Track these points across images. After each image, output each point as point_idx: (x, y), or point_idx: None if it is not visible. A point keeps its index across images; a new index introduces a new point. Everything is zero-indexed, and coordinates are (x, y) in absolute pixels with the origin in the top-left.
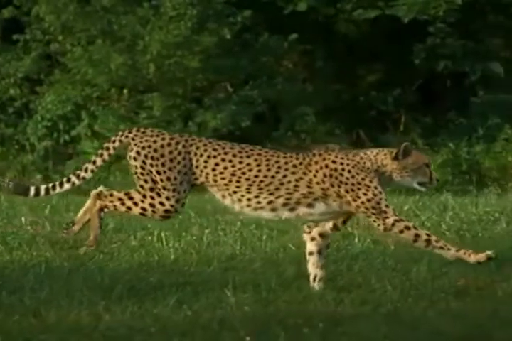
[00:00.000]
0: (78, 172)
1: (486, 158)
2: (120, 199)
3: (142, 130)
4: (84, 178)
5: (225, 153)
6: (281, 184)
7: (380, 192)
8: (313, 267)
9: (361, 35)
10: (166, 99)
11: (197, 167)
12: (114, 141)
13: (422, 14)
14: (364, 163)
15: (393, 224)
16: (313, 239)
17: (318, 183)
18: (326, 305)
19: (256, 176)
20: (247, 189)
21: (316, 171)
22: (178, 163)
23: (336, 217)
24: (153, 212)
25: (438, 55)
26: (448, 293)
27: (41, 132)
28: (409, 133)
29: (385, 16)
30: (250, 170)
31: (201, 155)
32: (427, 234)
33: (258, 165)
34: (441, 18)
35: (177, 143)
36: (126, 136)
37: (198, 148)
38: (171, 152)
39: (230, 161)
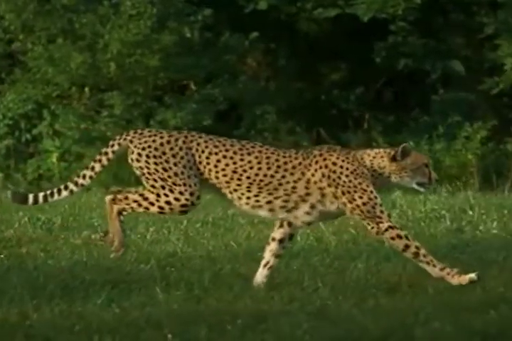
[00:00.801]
0: (76, 179)
1: (447, 155)
2: (135, 201)
3: (139, 131)
4: (82, 185)
5: (226, 150)
6: (280, 184)
7: (376, 197)
8: (269, 253)
9: (323, 34)
10: (126, 97)
11: (200, 163)
12: (113, 145)
13: (381, 13)
14: (362, 167)
15: (386, 230)
16: (281, 226)
17: (315, 182)
18: (256, 303)
19: (256, 174)
20: (248, 187)
21: (315, 170)
22: (182, 157)
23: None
24: (171, 209)
25: (399, 53)
26: (379, 290)
27: (2, 131)
28: (370, 131)
29: (346, 15)
30: (251, 168)
31: (203, 152)
32: (417, 247)
33: (259, 163)
34: (400, 16)
35: (176, 140)
36: (124, 139)
37: (198, 144)
38: (171, 148)
39: (232, 158)
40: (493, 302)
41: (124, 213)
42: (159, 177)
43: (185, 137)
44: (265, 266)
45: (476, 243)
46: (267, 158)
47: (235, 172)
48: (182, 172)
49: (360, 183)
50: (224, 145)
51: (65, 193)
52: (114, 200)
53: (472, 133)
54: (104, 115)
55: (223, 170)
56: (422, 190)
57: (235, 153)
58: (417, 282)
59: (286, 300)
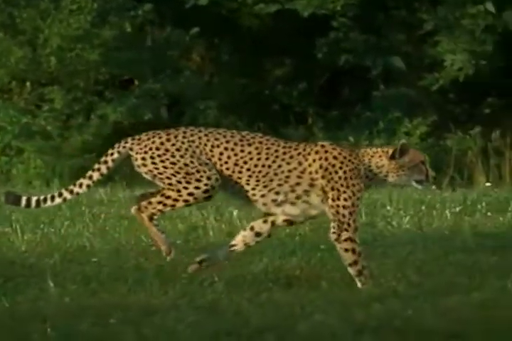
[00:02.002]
0: (72, 187)
1: None
2: (160, 202)
3: (137, 137)
4: (78, 193)
5: (227, 142)
6: (275, 174)
7: (357, 206)
8: (240, 238)
9: (266, 29)
10: (67, 92)
11: (206, 154)
12: (112, 154)
13: (321, 9)
14: (361, 167)
15: (346, 240)
16: (265, 221)
17: (310, 173)
18: (149, 297)
19: (256, 165)
20: (247, 180)
21: (314, 161)
22: (186, 149)
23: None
24: (195, 198)
25: (340, 49)
26: (277, 284)
27: None
28: (312, 126)
29: (287, 10)
30: (251, 159)
31: (205, 145)
32: (363, 266)
33: (259, 154)
34: (340, 12)
35: (176, 136)
36: (124, 147)
37: (200, 138)
38: (173, 144)
39: (233, 150)
40: (383, 295)
41: (155, 217)
42: (171, 174)
43: (184, 132)
44: (231, 247)
45: (384, 237)
46: (267, 148)
47: (236, 164)
48: (191, 162)
49: (353, 185)
50: (224, 136)
51: (58, 200)
52: (139, 209)
53: (412, 128)
54: (44, 109)
55: (226, 162)
56: (420, 187)
57: (235, 144)
58: (316, 276)
59: (179, 294)
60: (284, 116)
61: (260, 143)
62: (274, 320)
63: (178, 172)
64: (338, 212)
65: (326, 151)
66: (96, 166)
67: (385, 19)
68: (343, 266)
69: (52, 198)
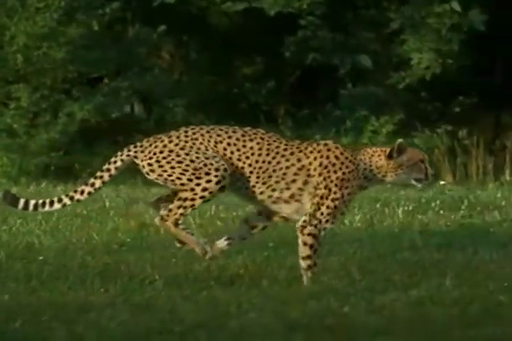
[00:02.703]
0: (72, 194)
1: None
2: (179, 206)
3: (139, 144)
4: (78, 200)
5: (229, 137)
6: (274, 170)
7: (340, 209)
8: (237, 233)
9: (235, 28)
10: (34, 90)
11: (212, 150)
12: (115, 162)
13: (288, 7)
14: (358, 171)
15: (309, 234)
16: (259, 214)
17: (308, 170)
18: (88, 295)
19: (257, 161)
20: (248, 177)
21: (315, 159)
22: (191, 147)
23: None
24: (210, 192)
25: (308, 47)
26: (218, 282)
27: None
28: (281, 125)
29: (255, 9)
30: (253, 155)
31: (209, 141)
32: (315, 263)
33: (260, 149)
34: (307, 11)
35: (178, 137)
36: (128, 155)
37: (202, 135)
38: (176, 144)
39: (235, 145)
40: (322, 293)
41: (180, 222)
42: (180, 173)
43: (186, 132)
44: (227, 239)
45: (333, 235)
46: (269, 144)
47: (239, 159)
48: (197, 157)
49: (346, 188)
50: (226, 132)
51: (57, 205)
52: (162, 219)
53: (378, 127)
54: (11, 107)
55: (230, 158)
56: (419, 186)
57: (237, 139)
58: (259, 274)
59: (119, 292)
60: (252, 115)
61: (262, 138)
62: (208, 317)
63: (186, 170)
64: (318, 208)
65: (329, 150)
66: (98, 174)
67: (354, 18)
68: (287, 265)
69: (51, 203)
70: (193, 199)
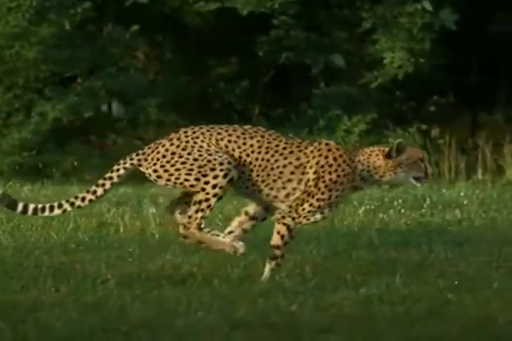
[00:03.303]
0: (73, 200)
1: None
2: (197, 210)
3: (141, 152)
4: (79, 207)
5: (230, 135)
6: (272, 169)
7: (323, 209)
8: (236, 224)
9: (208, 27)
10: (6, 89)
11: (214, 146)
12: (118, 170)
13: (260, 7)
14: (354, 173)
15: (284, 224)
16: (258, 204)
17: (304, 167)
18: (40, 294)
19: (256, 159)
20: (249, 175)
21: (313, 157)
22: (192, 147)
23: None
24: (221, 187)
25: (282, 47)
26: (170, 282)
27: None
28: (254, 124)
29: (229, 8)
30: (253, 152)
31: (210, 139)
32: (282, 255)
33: (259, 147)
34: (279, 10)
35: (178, 138)
36: (132, 164)
37: (203, 133)
38: (178, 146)
39: (236, 142)
40: (272, 291)
41: (202, 226)
42: (186, 174)
43: (185, 132)
44: (228, 234)
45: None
46: (269, 142)
47: (240, 157)
48: (200, 155)
49: (336, 190)
50: (227, 131)
51: (57, 211)
52: (185, 227)
53: (351, 126)
54: None
55: (232, 155)
56: (418, 185)
57: (238, 137)
58: (212, 274)
59: (71, 291)
60: (226, 114)
61: (262, 136)
62: (155, 316)
63: (191, 170)
64: (302, 204)
65: (329, 150)
66: (100, 182)
67: (328, 17)
68: (242, 264)
69: (51, 208)
70: (207, 200)
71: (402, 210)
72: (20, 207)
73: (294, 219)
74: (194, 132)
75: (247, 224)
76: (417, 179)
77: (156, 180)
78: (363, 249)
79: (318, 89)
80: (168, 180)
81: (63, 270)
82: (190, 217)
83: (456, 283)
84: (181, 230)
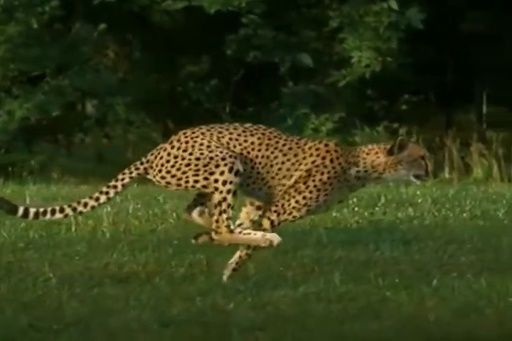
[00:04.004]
0: (75, 205)
1: None
2: (220, 212)
3: (145, 160)
4: (81, 213)
5: (231, 133)
6: (271, 166)
7: (308, 206)
8: (244, 216)
9: (177, 26)
10: None
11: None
12: (123, 179)
13: (227, 5)
14: (347, 175)
15: (269, 219)
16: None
17: (300, 164)
18: None
19: (257, 156)
20: (250, 172)
21: (310, 155)
22: (193, 146)
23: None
24: (230, 182)
25: (250, 46)
26: (114, 280)
27: None
28: (223, 123)
29: (195, 7)
30: (253, 150)
31: (211, 136)
32: (255, 248)
33: (260, 145)
34: (246, 9)
35: (178, 140)
36: (138, 174)
37: (203, 133)
38: (178, 148)
39: (237, 140)
40: (211, 290)
41: (232, 227)
42: (194, 175)
43: (185, 133)
44: (238, 226)
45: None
46: (269, 139)
47: (241, 154)
48: (201, 153)
49: (325, 190)
50: (227, 129)
51: (58, 215)
52: (216, 233)
53: (319, 125)
54: None
55: (233, 152)
56: (418, 182)
57: (239, 135)
58: (156, 272)
59: (11, 289)
60: (195, 113)
61: (263, 134)
62: (90, 314)
63: (197, 170)
64: (288, 200)
65: (328, 151)
66: (104, 189)
67: (296, 16)
68: (187, 262)
69: (53, 212)
70: (225, 199)
71: (356, 208)
72: (20, 211)
73: (278, 215)
74: (193, 132)
75: (253, 214)
76: (417, 177)
77: (166, 186)
78: (311, 247)
79: (287, 88)
80: (179, 184)
81: (8, 269)
82: (217, 221)
83: (396, 280)
84: (214, 236)
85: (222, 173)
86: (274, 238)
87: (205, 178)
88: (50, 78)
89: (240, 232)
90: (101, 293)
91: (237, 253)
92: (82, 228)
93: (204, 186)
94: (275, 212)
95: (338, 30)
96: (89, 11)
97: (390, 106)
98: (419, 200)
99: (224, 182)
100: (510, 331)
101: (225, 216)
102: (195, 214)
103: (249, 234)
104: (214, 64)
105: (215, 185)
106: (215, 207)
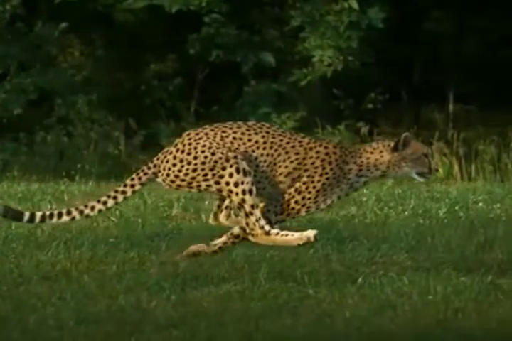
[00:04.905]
0: (82, 208)
1: None
2: (246, 214)
3: (152, 165)
4: (88, 216)
5: (235, 132)
6: (274, 164)
7: (307, 206)
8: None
9: (141, 25)
10: None
11: (218, 144)
12: (133, 186)
13: (188, 4)
14: (345, 174)
15: (267, 218)
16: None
17: (299, 163)
18: None
19: (262, 155)
20: (254, 170)
21: (310, 157)
22: (195, 148)
23: None
24: (243, 183)
25: (213, 45)
26: (44, 278)
27: None
28: (183, 122)
29: (157, 6)
30: (258, 149)
31: (214, 138)
32: (242, 239)
33: (264, 143)
34: (206, 8)
35: (182, 142)
36: (147, 178)
37: (206, 134)
38: (183, 151)
39: (241, 139)
40: (136, 287)
41: (266, 229)
42: (203, 180)
43: (188, 135)
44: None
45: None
46: (273, 137)
47: (246, 152)
48: (205, 157)
49: (324, 190)
50: (231, 128)
51: (65, 218)
52: (253, 236)
53: (280, 124)
54: None
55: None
56: (421, 180)
57: (243, 133)
58: (87, 269)
59: None
60: (157, 112)
61: (267, 132)
62: (10, 312)
63: (206, 175)
64: (287, 200)
65: (327, 154)
66: (112, 194)
67: (259, 15)
68: (119, 260)
69: (60, 215)
70: (244, 200)
71: None
72: (26, 216)
73: (276, 214)
74: (197, 133)
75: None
76: (420, 174)
77: (177, 189)
78: (245, 246)
79: (249, 86)
80: (190, 187)
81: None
82: (247, 224)
83: (323, 279)
84: (251, 238)
85: (231, 175)
86: (311, 233)
87: (217, 182)
88: (12, 77)
89: (277, 233)
90: (27, 290)
91: (224, 238)
92: (22, 225)
93: (219, 190)
94: (274, 211)
95: (299, 29)
96: (51, 10)
97: (356, 105)
98: (364, 199)
99: (236, 184)
100: (424, 327)
101: (253, 218)
102: (222, 219)
103: (287, 235)
104: (178, 63)
105: (228, 188)
106: (239, 209)
